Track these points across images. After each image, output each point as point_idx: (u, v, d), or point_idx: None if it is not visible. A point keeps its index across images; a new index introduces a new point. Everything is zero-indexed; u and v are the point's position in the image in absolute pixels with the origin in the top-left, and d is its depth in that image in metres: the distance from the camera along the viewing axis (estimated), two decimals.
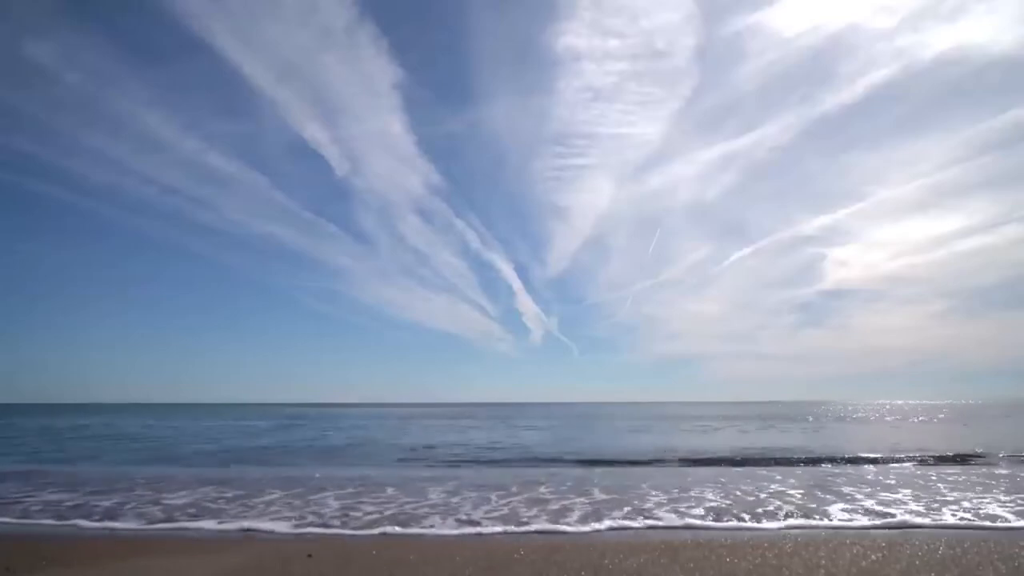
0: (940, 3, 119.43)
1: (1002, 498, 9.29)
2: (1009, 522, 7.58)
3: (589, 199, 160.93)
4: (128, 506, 8.99)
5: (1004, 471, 12.86)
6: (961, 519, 7.76)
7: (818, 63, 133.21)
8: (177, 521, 7.93)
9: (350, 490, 10.33)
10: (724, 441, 22.16)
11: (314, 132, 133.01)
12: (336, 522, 7.77)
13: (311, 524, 7.64)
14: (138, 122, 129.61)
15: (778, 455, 16.08)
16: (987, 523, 7.53)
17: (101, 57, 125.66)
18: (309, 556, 5.87)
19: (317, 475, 12.41)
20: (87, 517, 8.14)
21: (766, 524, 7.56)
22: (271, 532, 7.24)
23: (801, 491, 10.03)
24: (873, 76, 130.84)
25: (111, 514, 8.41)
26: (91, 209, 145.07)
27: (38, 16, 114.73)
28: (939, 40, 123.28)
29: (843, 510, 8.40)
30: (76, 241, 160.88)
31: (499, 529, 7.31)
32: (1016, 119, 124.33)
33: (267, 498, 9.58)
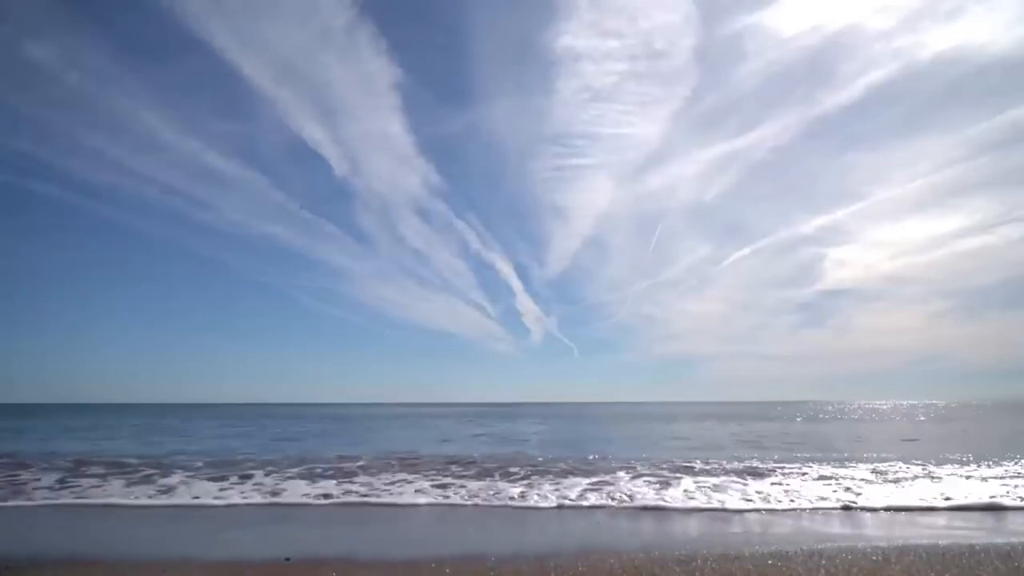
0: (938, 3, 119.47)
1: None
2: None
3: (589, 199, 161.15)
4: None
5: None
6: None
7: (817, 63, 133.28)
8: None
9: None
10: None
11: (313, 132, 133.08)
12: None
13: None
14: (138, 122, 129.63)
15: None
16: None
17: (101, 57, 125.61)
18: None
19: None
20: None
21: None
22: None
23: None
24: (872, 76, 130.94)
25: None
26: (91, 209, 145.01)
27: (38, 16, 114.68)
28: (938, 40, 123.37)
29: None
30: (76, 241, 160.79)
31: None
32: (1015, 119, 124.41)
33: None
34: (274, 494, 10.00)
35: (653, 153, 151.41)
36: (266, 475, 12.23)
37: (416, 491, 10.13)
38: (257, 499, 9.65)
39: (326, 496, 9.78)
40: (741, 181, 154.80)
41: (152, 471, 12.95)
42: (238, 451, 18.30)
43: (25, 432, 30.61)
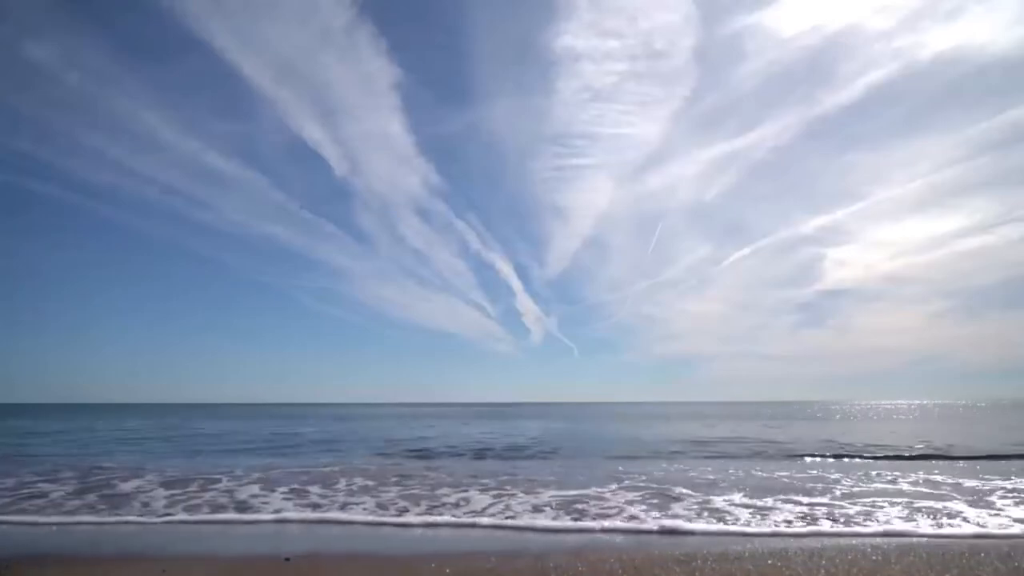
0: (938, 3, 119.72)
1: None
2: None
3: (589, 199, 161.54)
4: None
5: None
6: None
7: (817, 63, 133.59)
8: None
9: None
10: None
11: (313, 132, 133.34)
12: None
13: None
14: (138, 122, 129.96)
15: None
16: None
17: (101, 57, 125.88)
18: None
19: None
20: None
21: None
22: None
23: None
24: (872, 76, 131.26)
25: None
26: (91, 209, 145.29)
27: (38, 16, 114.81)
28: (938, 40, 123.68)
29: None
30: (76, 241, 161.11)
31: None
32: (1015, 119, 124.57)
33: None
34: (241, 509, 8.89)
35: (653, 153, 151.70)
36: (229, 480, 11.62)
37: (377, 505, 9.03)
38: (191, 515, 8.40)
39: (276, 511, 8.57)
40: (741, 181, 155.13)
41: (118, 476, 12.24)
42: (224, 455, 18.29)
43: (20, 433, 30.56)
